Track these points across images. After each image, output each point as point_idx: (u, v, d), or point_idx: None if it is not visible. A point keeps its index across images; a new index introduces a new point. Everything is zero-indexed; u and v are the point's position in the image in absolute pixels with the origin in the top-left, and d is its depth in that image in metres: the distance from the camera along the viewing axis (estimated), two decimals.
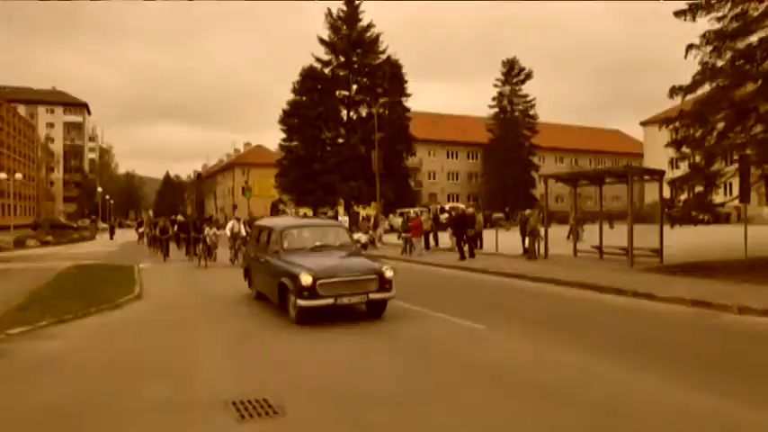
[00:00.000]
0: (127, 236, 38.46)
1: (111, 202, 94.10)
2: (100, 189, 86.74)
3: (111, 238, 43.57)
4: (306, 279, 8.83)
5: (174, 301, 12.72)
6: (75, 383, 6.46)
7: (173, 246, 24.86)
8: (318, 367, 6.90)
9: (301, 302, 8.90)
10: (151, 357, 7.56)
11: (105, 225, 60.24)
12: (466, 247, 19.95)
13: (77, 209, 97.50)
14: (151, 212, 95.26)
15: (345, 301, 9.12)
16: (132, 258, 22.89)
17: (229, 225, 21.25)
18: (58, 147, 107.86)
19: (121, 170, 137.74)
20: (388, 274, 9.38)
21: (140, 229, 36.36)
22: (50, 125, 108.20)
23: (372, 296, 9.27)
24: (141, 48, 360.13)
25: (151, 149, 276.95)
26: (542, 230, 19.23)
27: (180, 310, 11.51)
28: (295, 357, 7.46)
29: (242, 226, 20.74)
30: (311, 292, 8.83)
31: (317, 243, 10.62)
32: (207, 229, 21.66)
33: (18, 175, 43.33)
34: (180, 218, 31.90)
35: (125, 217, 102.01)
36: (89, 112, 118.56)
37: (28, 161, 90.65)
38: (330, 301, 8.93)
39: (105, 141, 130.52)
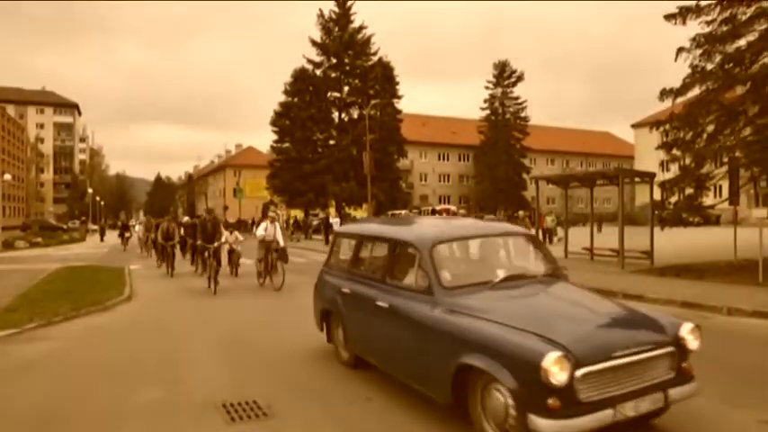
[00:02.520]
0: (117, 238, 38.03)
1: (102, 203, 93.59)
2: (90, 190, 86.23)
3: (102, 240, 43.27)
4: (558, 368, 3.90)
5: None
6: (64, 386, 6.39)
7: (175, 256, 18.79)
8: None
9: (548, 425, 3.93)
10: (141, 359, 7.49)
11: (95, 227, 59.82)
12: None
13: (67, 210, 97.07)
14: (141, 213, 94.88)
15: (630, 411, 4.18)
16: (123, 260, 22.72)
17: (260, 229, 14.76)
18: (47, 147, 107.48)
19: (112, 171, 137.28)
20: (693, 341, 4.62)
21: (126, 234, 32.60)
22: (40, 126, 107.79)
23: (673, 394, 4.43)
24: (132, 48, 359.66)
25: (142, 151, 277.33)
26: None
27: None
28: None
29: (277, 230, 14.60)
30: (566, 395, 3.96)
31: (502, 272, 5.46)
32: (227, 235, 15.80)
33: (7, 176, 42.98)
34: (186, 218, 26.39)
35: (116, 218, 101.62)
36: (79, 113, 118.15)
37: (17, 162, 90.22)
38: (606, 415, 4.06)
39: (96, 142, 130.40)
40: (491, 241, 6.16)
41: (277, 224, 14.95)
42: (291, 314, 10.40)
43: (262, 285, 14.44)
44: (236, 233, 16.82)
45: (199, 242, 14.83)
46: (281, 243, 14.36)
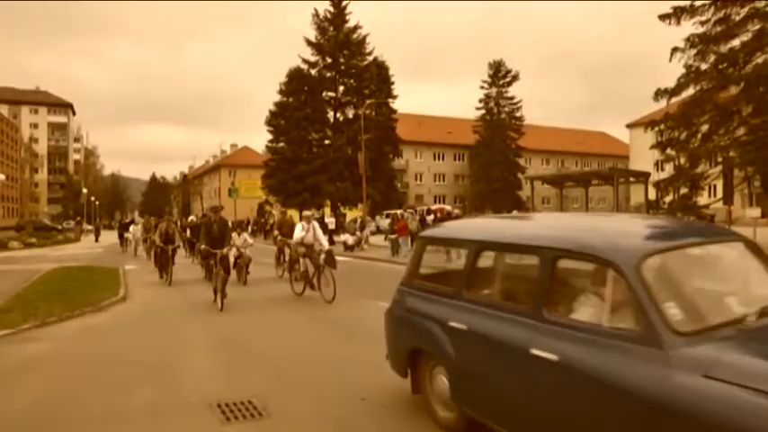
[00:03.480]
0: (113, 238, 37.81)
1: (97, 203, 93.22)
2: (85, 190, 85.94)
3: (97, 240, 43.11)
4: None
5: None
6: (59, 387, 6.37)
7: (179, 259, 17.21)
8: None
9: None
10: (136, 359, 7.47)
11: (90, 227, 59.57)
12: None
13: (62, 210, 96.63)
14: (137, 213, 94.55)
15: None
16: (118, 260, 22.64)
17: (297, 233, 12.41)
18: (42, 147, 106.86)
19: (107, 171, 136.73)
20: None
21: (126, 234, 30.89)
22: (34, 126, 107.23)
23: None
24: (127, 48, 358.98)
25: (137, 150, 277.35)
26: None
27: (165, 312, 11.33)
28: None
29: (317, 231, 12.38)
30: None
31: (735, 301, 3.52)
32: (235, 237, 13.85)
33: (1, 177, 42.80)
34: (192, 218, 24.56)
35: (111, 218, 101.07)
36: (74, 113, 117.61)
37: (11, 162, 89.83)
38: None
39: (90, 142, 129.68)
40: (708, 251, 3.95)
41: (315, 224, 12.61)
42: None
43: (300, 295, 12.18)
44: (245, 234, 15.18)
45: (203, 246, 12.15)
46: (326, 245, 12.10)
